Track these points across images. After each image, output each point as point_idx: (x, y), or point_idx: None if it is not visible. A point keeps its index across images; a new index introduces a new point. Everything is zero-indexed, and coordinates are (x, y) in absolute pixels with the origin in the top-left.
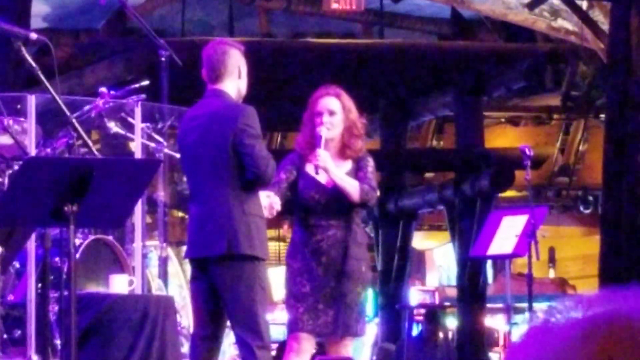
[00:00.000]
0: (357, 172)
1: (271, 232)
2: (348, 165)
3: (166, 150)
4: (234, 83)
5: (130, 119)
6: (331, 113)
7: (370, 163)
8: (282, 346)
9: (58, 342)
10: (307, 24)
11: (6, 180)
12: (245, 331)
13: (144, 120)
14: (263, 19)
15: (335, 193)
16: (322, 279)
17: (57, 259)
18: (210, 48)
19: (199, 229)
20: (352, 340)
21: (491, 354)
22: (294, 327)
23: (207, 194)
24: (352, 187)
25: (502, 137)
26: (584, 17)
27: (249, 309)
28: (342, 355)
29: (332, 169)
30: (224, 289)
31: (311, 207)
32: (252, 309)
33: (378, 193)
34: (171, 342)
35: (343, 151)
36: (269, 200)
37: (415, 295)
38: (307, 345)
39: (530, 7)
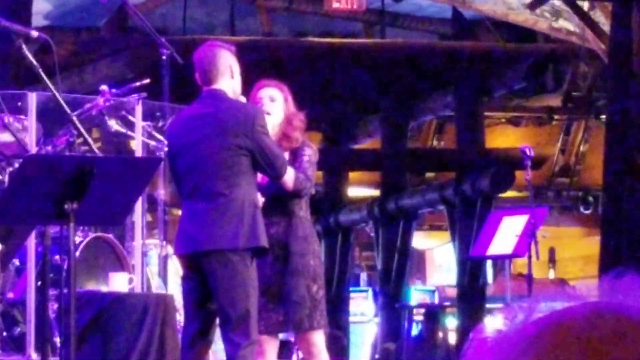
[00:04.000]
0: (293, 162)
1: None
2: (285, 156)
3: (167, 148)
4: (228, 83)
5: (131, 117)
6: (272, 99)
7: (307, 152)
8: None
9: (57, 340)
10: (309, 24)
11: (6, 178)
12: (234, 329)
13: (144, 118)
14: (264, 18)
15: (272, 189)
16: (270, 277)
17: (57, 256)
18: (201, 51)
19: (204, 223)
20: (319, 335)
21: None
22: None
23: (214, 190)
24: (287, 175)
25: (502, 137)
26: (585, 18)
27: (241, 306)
28: (314, 354)
29: None
30: (219, 284)
31: None
32: (244, 307)
33: (313, 184)
34: (171, 340)
35: (280, 142)
36: None
37: (415, 295)
38: (269, 345)
39: (532, 7)
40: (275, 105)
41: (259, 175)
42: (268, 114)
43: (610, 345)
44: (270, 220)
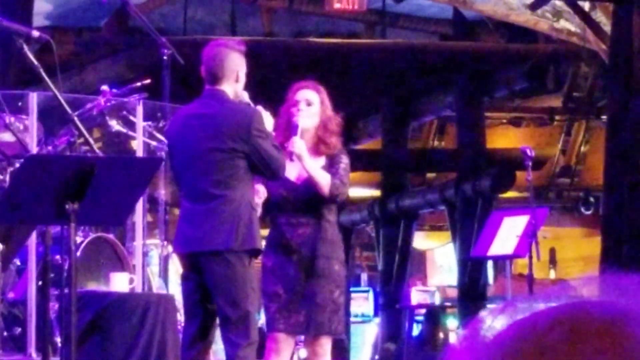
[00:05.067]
0: (330, 168)
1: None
2: (321, 161)
3: (167, 148)
4: (231, 86)
5: (131, 118)
6: (308, 103)
7: (344, 160)
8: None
9: (58, 339)
10: (310, 24)
11: (7, 178)
12: (234, 330)
13: (145, 118)
14: (265, 18)
15: (304, 190)
16: (294, 277)
17: (57, 256)
18: (211, 49)
19: (200, 224)
20: (328, 339)
21: None
22: (269, 327)
23: (210, 191)
24: (324, 180)
25: (503, 137)
26: (586, 18)
27: (239, 306)
28: (319, 354)
29: (306, 157)
30: (217, 285)
31: (280, 205)
32: (242, 307)
33: (348, 190)
34: (171, 340)
35: (317, 146)
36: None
37: (415, 296)
38: (285, 345)
39: (533, 8)
40: (312, 109)
41: (294, 175)
42: (300, 109)
43: (563, 351)
44: (300, 220)
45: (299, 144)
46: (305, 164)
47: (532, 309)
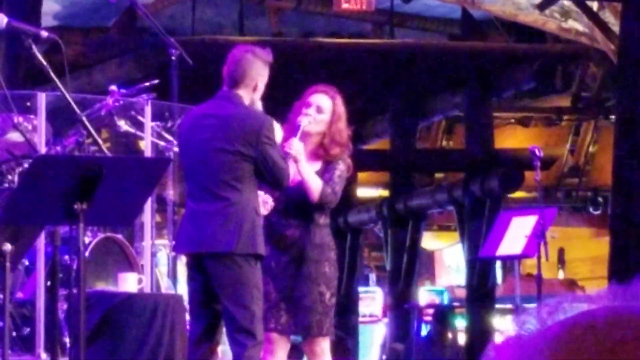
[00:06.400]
0: (324, 173)
1: None
2: (317, 166)
3: (176, 148)
4: (249, 93)
5: (140, 118)
6: (319, 109)
7: (340, 167)
8: None
9: (67, 340)
10: (318, 24)
11: (16, 178)
12: (240, 330)
13: (154, 118)
14: (273, 19)
15: (295, 193)
16: (282, 278)
17: (66, 257)
18: (237, 52)
19: (203, 225)
20: (324, 340)
21: None
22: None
23: (215, 192)
24: (315, 185)
25: (511, 137)
26: (595, 18)
27: (245, 307)
28: (317, 354)
29: (302, 161)
30: (223, 286)
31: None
32: (248, 308)
33: (338, 199)
34: (180, 340)
35: (317, 151)
36: (262, 197)
37: (424, 296)
38: (279, 345)
39: (541, 7)
40: (321, 117)
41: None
42: (307, 114)
43: (629, 349)
44: (289, 222)
45: (297, 146)
46: (299, 167)
47: (579, 308)
